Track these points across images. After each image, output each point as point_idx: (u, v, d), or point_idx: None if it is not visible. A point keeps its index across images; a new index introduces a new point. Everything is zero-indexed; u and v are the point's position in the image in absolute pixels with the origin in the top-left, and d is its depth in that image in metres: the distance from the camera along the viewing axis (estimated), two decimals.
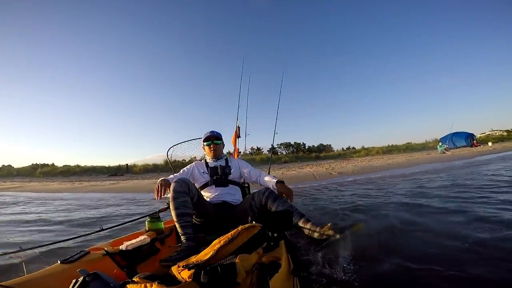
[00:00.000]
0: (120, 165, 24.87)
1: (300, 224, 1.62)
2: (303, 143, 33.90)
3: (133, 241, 1.41)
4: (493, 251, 1.84)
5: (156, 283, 0.83)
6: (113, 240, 1.57)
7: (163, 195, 1.72)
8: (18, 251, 1.28)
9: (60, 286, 0.97)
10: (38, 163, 26.27)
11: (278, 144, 31.86)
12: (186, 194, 1.67)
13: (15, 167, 26.34)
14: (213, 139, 2.22)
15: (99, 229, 1.73)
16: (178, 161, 3.25)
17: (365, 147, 31.95)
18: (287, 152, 32.07)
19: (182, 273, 0.91)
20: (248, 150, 27.60)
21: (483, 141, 26.96)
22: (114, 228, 2.03)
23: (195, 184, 2.17)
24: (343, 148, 34.81)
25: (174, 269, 0.98)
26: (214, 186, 2.09)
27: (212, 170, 2.14)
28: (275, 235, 1.57)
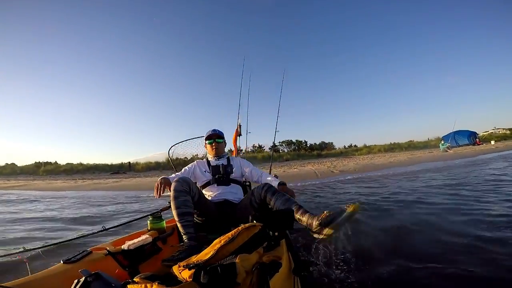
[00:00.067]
0: (122, 163, 25.02)
1: (298, 216, 1.59)
2: (304, 141, 33.88)
3: (135, 240, 1.41)
4: (492, 251, 1.84)
5: (157, 283, 0.83)
6: (115, 239, 1.59)
7: (162, 193, 1.73)
8: (21, 252, 1.30)
9: (62, 287, 0.98)
10: (41, 161, 26.47)
11: (279, 142, 31.86)
12: (187, 193, 1.67)
13: (18, 165, 26.57)
14: (215, 138, 2.22)
15: (101, 228, 1.75)
16: (180, 159, 3.26)
17: (367, 145, 31.88)
18: (288, 150, 32.04)
19: (183, 273, 0.91)
20: (250, 148, 27.64)
21: (486, 139, 26.77)
22: (116, 227, 2.04)
23: (197, 183, 2.18)
24: (345, 146, 34.76)
25: (175, 269, 0.98)
26: (216, 185, 2.09)
27: (214, 169, 2.14)
28: (276, 234, 1.57)
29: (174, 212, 1.63)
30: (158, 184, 1.74)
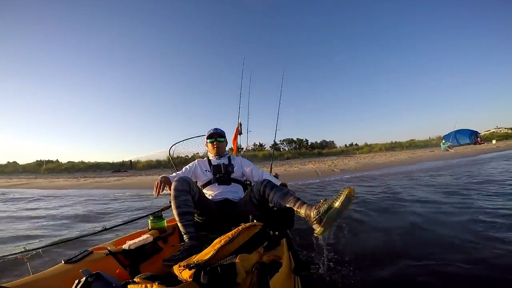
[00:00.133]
0: (123, 161, 25.09)
1: (295, 208, 1.57)
2: (305, 139, 33.84)
3: (136, 240, 1.42)
4: (492, 250, 1.84)
5: (157, 283, 0.83)
6: (116, 239, 1.59)
7: (162, 191, 1.73)
8: (22, 252, 1.31)
9: (63, 287, 0.98)
10: (42, 160, 26.55)
11: (280, 140, 31.81)
12: (187, 192, 1.67)
13: (20, 163, 26.66)
14: (217, 137, 2.21)
15: (102, 228, 1.75)
16: (181, 157, 3.26)
17: (368, 143, 31.79)
18: (289, 148, 32.01)
19: (183, 273, 0.91)
20: (251, 146, 27.66)
21: (488, 138, 26.66)
22: (116, 227, 2.05)
23: (198, 182, 2.18)
24: (346, 145, 34.67)
25: (175, 269, 0.98)
26: (216, 184, 2.09)
27: (215, 168, 2.14)
28: (276, 233, 1.57)
29: (174, 212, 1.63)
30: (158, 183, 1.75)
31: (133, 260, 1.38)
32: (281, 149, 30.73)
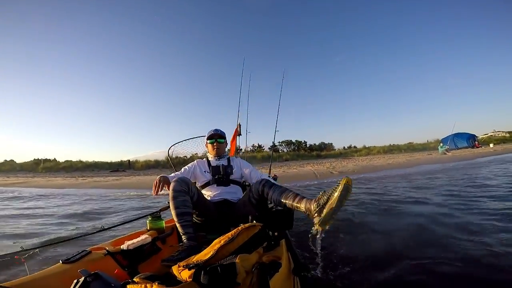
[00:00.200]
0: (122, 160, 24.98)
1: (295, 204, 1.56)
2: (304, 141, 33.86)
3: (134, 240, 1.41)
4: (488, 251, 1.85)
5: (156, 283, 0.83)
6: (114, 239, 1.58)
7: (160, 191, 1.73)
8: (19, 252, 1.29)
9: (61, 286, 0.97)
10: (40, 158, 26.38)
11: (279, 142, 31.83)
12: (186, 193, 1.67)
13: (17, 162, 26.48)
14: (217, 138, 2.21)
15: (100, 228, 1.74)
16: (180, 157, 3.26)
17: (367, 146, 31.89)
18: (288, 150, 32.01)
19: (182, 273, 0.91)
20: (249, 148, 27.64)
21: (485, 142, 26.85)
22: (115, 227, 2.04)
23: (197, 183, 2.17)
24: (344, 147, 34.75)
25: (174, 269, 0.98)
26: (215, 185, 2.08)
27: (214, 169, 2.14)
28: (276, 234, 1.57)
29: (173, 212, 1.62)
30: (157, 182, 1.74)
31: (131, 260, 1.37)
32: (280, 151, 30.73)
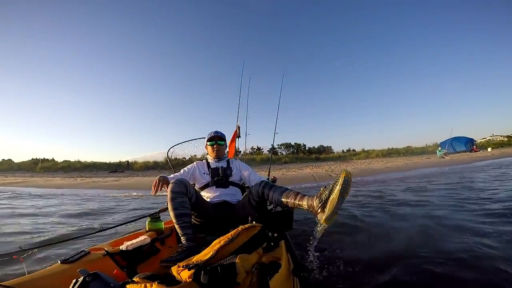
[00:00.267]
0: (120, 161, 24.90)
1: (297, 202, 1.54)
2: (303, 144, 33.90)
3: (134, 241, 1.41)
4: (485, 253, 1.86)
5: (156, 283, 0.83)
6: (113, 240, 1.58)
7: (159, 190, 1.73)
8: (18, 251, 1.29)
9: (60, 286, 0.97)
10: (38, 158, 26.25)
11: (278, 145, 31.85)
12: (184, 194, 1.67)
13: (15, 161, 26.34)
14: (217, 140, 2.22)
15: (99, 229, 1.74)
16: (179, 159, 3.26)
17: (366, 149, 31.93)
18: (287, 152, 32.04)
19: (182, 273, 0.91)
20: (249, 150, 27.63)
21: (483, 146, 26.96)
22: (114, 228, 2.03)
23: (196, 185, 2.17)
24: (343, 150, 34.79)
25: (174, 269, 0.98)
26: (214, 187, 2.08)
27: (213, 171, 2.14)
28: (275, 235, 1.57)
29: (171, 214, 1.62)
30: (156, 181, 1.75)
31: (130, 261, 1.37)
32: (279, 153, 30.76)
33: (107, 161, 24.86)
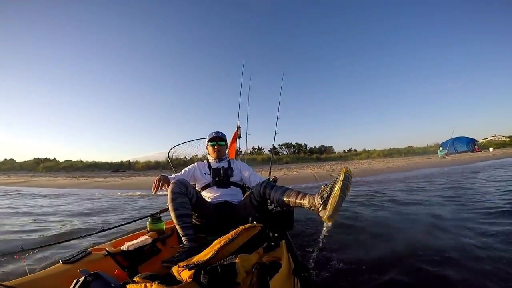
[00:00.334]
0: (122, 161, 24.95)
1: (298, 201, 1.54)
2: (304, 144, 33.86)
3: (135, 241, 1.41)
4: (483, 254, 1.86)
5: (156, 283, 0.83)
6: (114, 240, 1.58)
7: (160, 189, 1.74)
8: (19, 252, 1.30)
9: (61, 286, 0.97)
10: (40, 158, 26.34)
11: (279, 145, 31.83)
12: (184, 195, 1.67)
13: (17, 161, 26.44)
14: (218, 140, 2.22)
15: (101, 229, 1.74)
16: (180, 159, 3.26)
17: (367, 149, 31.88)
18: (288, 152, 32.01)
19: (182, 273, 0.92)
20: (250, 150, 27.63)
21: (485, 146, 26.85)
22: (115, 228, 2.04)
23: (197, 185, 2.17)
24: (344, 150, 34.71)
25: (174, 270, 0.98)
26: (215, 187, 2.08)
27: (214, 171, 2.14)
28: (276, 235, 1.57)
29: (172, 214, 1.63)
30: (157, 181, 1.75)
31: (131, 261, 1.37)
32: (280, 153, 30.73)
33: (109, 161, 24.96)
